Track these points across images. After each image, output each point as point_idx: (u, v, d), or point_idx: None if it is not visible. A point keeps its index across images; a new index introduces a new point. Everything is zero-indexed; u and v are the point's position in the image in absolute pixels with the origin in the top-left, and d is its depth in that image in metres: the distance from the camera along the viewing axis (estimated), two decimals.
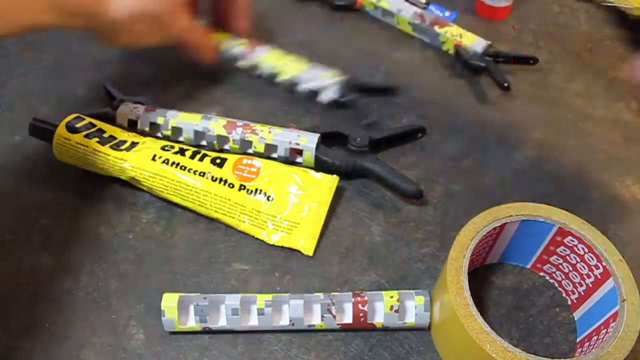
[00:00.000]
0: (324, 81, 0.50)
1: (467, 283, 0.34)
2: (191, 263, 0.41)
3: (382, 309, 0.37)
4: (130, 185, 0.45)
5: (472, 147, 0.49)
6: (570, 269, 0.39)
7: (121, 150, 0.44)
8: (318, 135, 0.46)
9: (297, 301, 0.37)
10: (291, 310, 0.37)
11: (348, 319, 0.37)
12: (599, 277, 0.36)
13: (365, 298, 0.37)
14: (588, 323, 0.37)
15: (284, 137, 0.45)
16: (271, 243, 0.42)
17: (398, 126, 0.50)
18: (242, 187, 0.43)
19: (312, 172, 0.44)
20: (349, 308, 0.37)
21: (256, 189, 0.43)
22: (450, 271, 0.34)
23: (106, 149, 0.44)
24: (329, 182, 0.44)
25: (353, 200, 0.45)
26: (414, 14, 0.59)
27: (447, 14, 0.61)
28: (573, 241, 0.37)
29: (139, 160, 0.43)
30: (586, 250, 0.37)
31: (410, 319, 0.37)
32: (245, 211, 0.42)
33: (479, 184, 0.47)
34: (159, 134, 0.47)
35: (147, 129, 0.47)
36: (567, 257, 0.38)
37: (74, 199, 0.45)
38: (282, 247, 0.42)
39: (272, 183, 0.43)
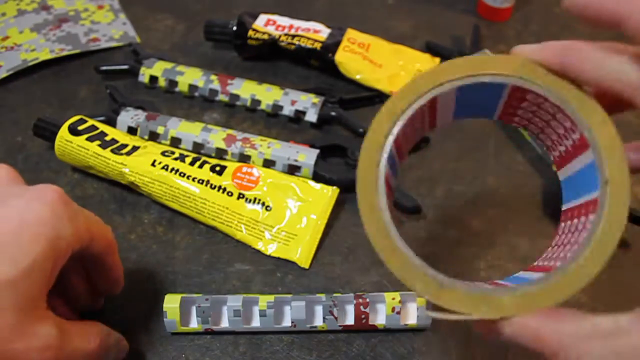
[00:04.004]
0: (305, 103, 0.49)
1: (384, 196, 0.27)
2: (193, 263, 0.42)
3: (383, 310, 0.37)
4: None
5: (474, 147, 0.50)
6: (544, 125, 0.29)
7: (122, 154, 0.44)
8: (317, 151, 0.45)
9: (299, 303, 0.37)
10: (293, 312, 0.37)
11: (350, 320, 0.37)
12: (576, 142, 0.26)
13: (367, 300, 0.37)
14: (571, 193, 0.28)
15: (283, 152, 0.45)
16: (267, 254, 0.42)
17: None
18: (241, 196, 0.43)
19: (312, 182, 0.44)
20: (350, 310, 0.37)
21: (255, 198, 0.43)
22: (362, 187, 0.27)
23: (107, 152, 0.44)
24: (329, 193, 0.43)
25: (355, 199, 0.45)
26: None
27: None
28: (537, 99, 0.27)
29: (138, 166, 0.43)
30: (556, 110, 0.26)
31: (412, 321, 0.37)
32: (242, 220, 0.42)
33: (481, 185, 0.47)
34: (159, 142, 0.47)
35: (146, 137, 0.47)
36: (537, 113, 0.28)
37: (75, 199, 0.45)
38: None
39: (271, 193, 0.43)
